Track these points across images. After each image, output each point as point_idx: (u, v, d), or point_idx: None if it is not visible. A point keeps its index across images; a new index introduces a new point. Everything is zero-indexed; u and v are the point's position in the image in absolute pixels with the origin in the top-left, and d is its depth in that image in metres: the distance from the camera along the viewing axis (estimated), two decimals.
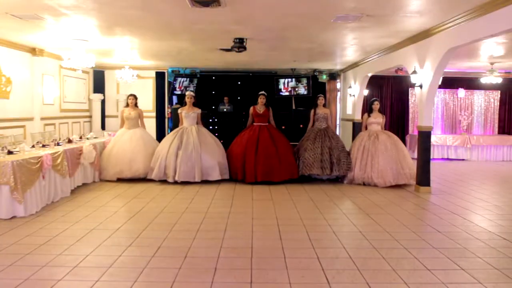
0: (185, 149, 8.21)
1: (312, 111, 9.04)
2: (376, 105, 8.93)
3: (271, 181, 8.26)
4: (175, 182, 8.14)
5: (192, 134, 8.41)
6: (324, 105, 9.16)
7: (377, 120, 8.83)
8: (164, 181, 8.28)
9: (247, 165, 8.36)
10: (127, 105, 9.06)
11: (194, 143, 8.27)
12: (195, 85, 14.02)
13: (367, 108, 9.51)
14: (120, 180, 8.44)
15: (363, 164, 8.42)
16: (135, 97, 9.08)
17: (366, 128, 8.93)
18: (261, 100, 8.84)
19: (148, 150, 8.60)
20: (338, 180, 8.73)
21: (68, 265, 3.96)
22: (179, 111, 8.88)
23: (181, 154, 8.16)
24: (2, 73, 8.85)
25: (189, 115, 8.70)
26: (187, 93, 9.08)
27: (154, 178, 8.20)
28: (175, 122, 11.49)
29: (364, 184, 8.34)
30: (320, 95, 9.41)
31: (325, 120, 8.94)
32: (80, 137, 8.91)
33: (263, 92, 9.03)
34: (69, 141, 8.02)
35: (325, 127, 8.90)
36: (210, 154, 8.35)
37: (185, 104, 8.92)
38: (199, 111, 8.82)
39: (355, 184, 8.40)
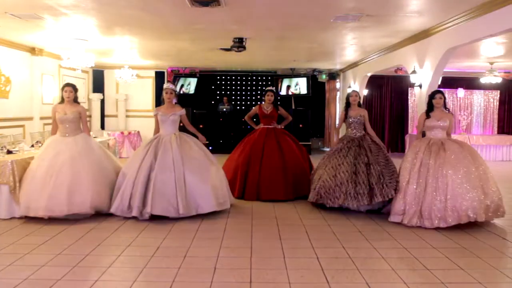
0: (161, 168, 5.53)
1: (343, 113, 6.42)
2: (439, 100, 5.67)
3: (276, 199, 6.63)
4: (143, 217, 5.43)
5: (171, 147, 5.69)
6: (359, 105, 6.39)
7: (440, 122, 5.62)
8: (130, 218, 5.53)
9: (249, 179, 6.80)
10: (62, 101, 5.84)
11: (174, 160, 5.59)
12: (194, 85, 14.01)
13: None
14: (52, 219, 5.30)
15: (419, 191, 5.29)
16: (73, 89, 5.83)
17: (423, 136, 5.85)
18: (269, 97, 7.27)
19: (98, 170, 5.62)
20: (380, 212, 5.92)
21: (68, 265, 3.95)
22: (154, 112, 6.20)
23: (155, 177, 5.47)
24: (2, 73, 8.84)
25: (167, 118, 5.90)
26: (165, 85, 6.24)
27: (115, 213, 5.53)
28: None
29: (419, 226, 5.21)
30: (354, 90, 6.88)
31: (361, 125, 6.19)
32: None
33: (270, 88, 7.53)
34: None
35: (361, 135, 6.17)
36: (199, 175, 5.66)
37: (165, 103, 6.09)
38: (182, 111, 6.07)
39: (405, 224, 5.27)
